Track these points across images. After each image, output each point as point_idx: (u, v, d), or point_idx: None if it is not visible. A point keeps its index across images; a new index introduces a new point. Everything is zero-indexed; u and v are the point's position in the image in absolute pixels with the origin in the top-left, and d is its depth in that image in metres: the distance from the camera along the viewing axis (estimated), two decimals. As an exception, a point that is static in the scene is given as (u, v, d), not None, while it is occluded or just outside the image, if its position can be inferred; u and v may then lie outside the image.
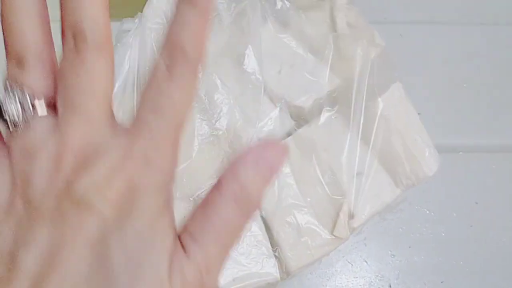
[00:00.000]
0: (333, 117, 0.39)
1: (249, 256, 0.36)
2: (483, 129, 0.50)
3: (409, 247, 0.45)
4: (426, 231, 0.46)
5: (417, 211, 0.47)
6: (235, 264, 0.36)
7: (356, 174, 0.39)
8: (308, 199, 0.38)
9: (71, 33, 0.20)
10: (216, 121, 0.38)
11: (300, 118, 0.39)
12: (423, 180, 0.41)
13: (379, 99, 0.40)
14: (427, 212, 0.47)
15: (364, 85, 0.38)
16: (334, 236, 0.38)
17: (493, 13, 0.55)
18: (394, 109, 0.41)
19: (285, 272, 0.37)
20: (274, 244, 0.37)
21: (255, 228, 0.37)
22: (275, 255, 0.37)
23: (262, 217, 0.38)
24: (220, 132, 0.38)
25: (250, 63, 0.37)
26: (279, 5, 0.39)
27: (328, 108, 0.39)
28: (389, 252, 0.45)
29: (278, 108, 0.38)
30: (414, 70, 0.52)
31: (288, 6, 0.39)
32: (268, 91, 0.38)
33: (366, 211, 0.39)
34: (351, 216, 0.39)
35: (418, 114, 0.48)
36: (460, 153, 0.49)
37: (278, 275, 0.37)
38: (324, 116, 0.39)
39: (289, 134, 0.39)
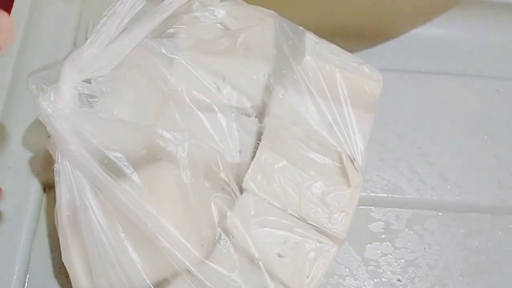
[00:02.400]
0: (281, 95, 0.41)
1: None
2: None
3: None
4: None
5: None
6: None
7: (333, 122, 0.40)
8: (311, 172, 0.39)
9: None
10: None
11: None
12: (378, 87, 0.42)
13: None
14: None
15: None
16: (353, 186, 0.39)
17: None
18: (322, 57, 0.41)
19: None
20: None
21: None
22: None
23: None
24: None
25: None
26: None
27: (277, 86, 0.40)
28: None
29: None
30: (509, 127, 0.52)
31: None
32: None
33: (360, 146, 0.40)
34: (353, 160, 0.39)
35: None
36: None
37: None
38: (277, 95, 0.40)
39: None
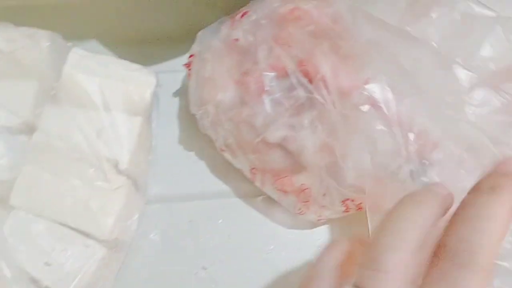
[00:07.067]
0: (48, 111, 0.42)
1: None
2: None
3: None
4: None
5: None
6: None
7: (96, 132, 0.42)
8: (75, 181, 0.41)
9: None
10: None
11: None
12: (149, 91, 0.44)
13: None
14: None
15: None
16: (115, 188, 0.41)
17: None
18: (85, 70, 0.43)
19: None
20: None
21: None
22: None
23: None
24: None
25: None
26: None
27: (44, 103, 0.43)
28: None
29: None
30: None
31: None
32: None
33: (126, 149, 0.42)
34: (116, 163, 0.42)
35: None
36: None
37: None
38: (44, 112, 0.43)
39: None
